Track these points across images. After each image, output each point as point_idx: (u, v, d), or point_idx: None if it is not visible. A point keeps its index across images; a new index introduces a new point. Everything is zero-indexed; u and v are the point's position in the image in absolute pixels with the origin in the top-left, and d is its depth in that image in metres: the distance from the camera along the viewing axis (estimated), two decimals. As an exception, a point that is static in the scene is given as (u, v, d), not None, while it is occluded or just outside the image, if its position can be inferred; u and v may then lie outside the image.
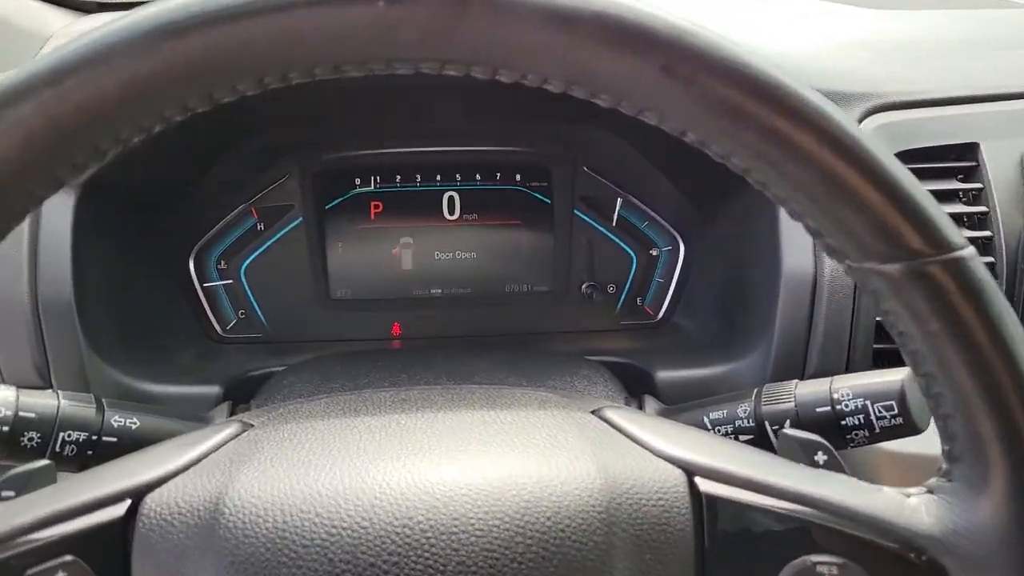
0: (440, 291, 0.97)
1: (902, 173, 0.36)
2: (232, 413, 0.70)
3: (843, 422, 0.54)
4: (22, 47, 1.15)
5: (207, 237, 0.94)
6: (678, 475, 0.42)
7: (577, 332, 0.96)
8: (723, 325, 0.83)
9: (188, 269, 0.93)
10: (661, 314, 0.98)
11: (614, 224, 0.97)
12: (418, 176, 0.97)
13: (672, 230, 0.97)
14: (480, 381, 0.68)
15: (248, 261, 0.94)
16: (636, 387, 0.74)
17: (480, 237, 0.97)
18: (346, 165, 0.95)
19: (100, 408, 0.57)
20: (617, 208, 0.97)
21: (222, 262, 0.94)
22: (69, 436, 0.55)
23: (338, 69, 0.35)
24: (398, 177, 0.97)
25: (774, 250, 0.72)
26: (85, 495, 0.41)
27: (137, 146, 0.35)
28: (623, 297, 0.98)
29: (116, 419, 0.57)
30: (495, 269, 0.97)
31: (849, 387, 0.55)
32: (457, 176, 0.97)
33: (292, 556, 0.38)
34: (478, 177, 0.97)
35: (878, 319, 0.70)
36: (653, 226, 0.98)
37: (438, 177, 0.97)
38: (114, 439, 0.56)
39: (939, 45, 0.89)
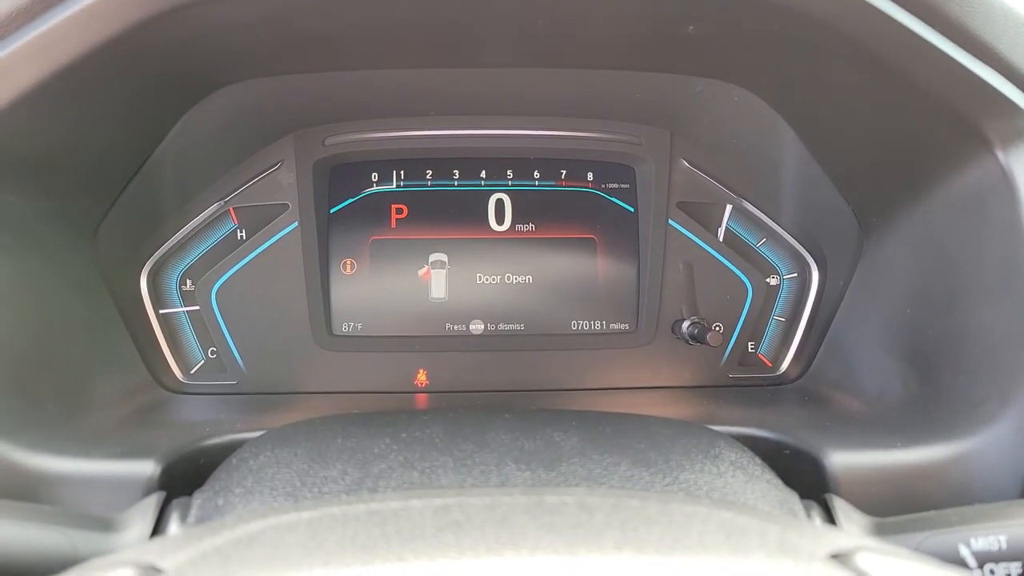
0: (482, 327, 0.72)
1: None
2: (163, 508, 0.44)
3: None
4: None
5: (167, 247, 0.69)
6: None
7: (671, 388, 0.70)
8: (915, 382, 0.55)
9: (139, 290, 0.68)
10: (785, 366, 0.71)
11: (721, 240, 0.71)
12: (456, 171, 0.73)
13: (801, 249, 0.71)
14: (576, 479, 0.42)
15: (222, 281, 0.70)
16: (794, 474, 0.47)
17: (538, 256, 0.72)
18: (358, 152, 0.71)
19: None
20: (726, 218, 0.72)
21: (187, 282, 0.70)
22: None
23: None
24: (429, 172, 0.73)
25: (1016, 266, 0.46)
26: None
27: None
28: (733, 341, 0.71)
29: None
30: (558, 300, 0.73)
31: None
32: (508, 172, 0.73)
33: None
34: (536, 174, 0.73)
35: None
36: (774, 244, 0.72)
37: (483, 173, 0.73)
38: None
39: None
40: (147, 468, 0.50)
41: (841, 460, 0.50)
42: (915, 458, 0.49)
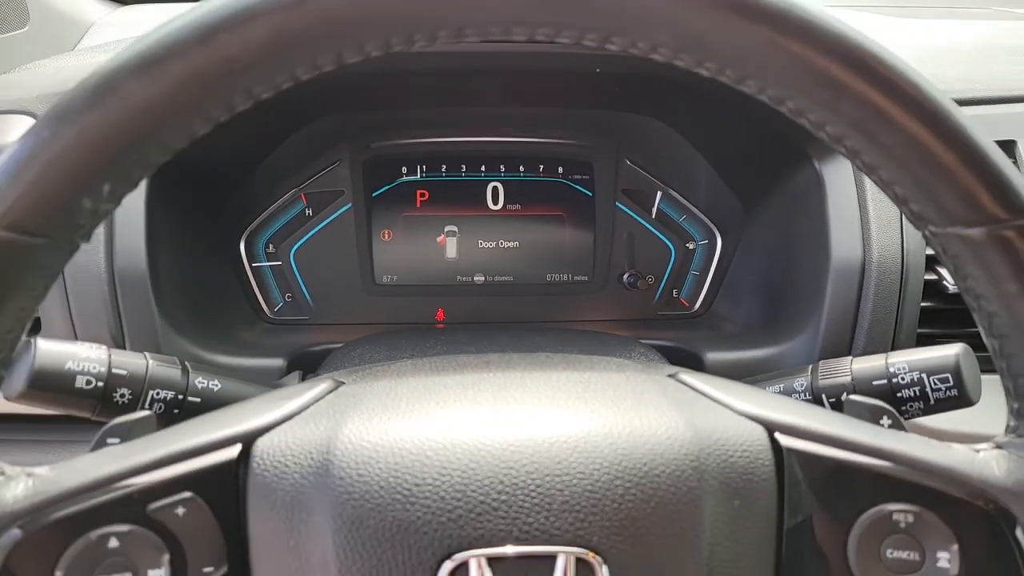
0: (483, 278, 0.99)
1: (987, 144, 0.38)
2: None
3: (899, 394, 0.57)
4: (66, 32, 1.19)
5: (257, 221, 0.96)
6: (759, 431, 0.44)
7: (616, 320, 0.98)
8: (767, 312, 0.85)
9: (239, 251, 0.95)
10: (698, 305, 1.00)
11: (654, 217, 1.00)
12: (463, 166, 1.00)
13: (710, 224, 1.00)
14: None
15: (296, 245, 0.97)
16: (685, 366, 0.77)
17: (523, 227, 0.99)
18: (394, 154, 0.98)
19: (185, 370, 0.59)
20: (657, 201, 1.00)
21: (271, 245, 0.97)
22: (157, 394, 0.57)
23: (460, 32, 0.38)
24: (444, 167, 0.99)
25: (823, 240, 0.75)
26: (199, 438, 0.43)
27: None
28: (661, 288, 1.00)
29: (199, 381, 0.60)
30: (537, 258, 1.00)
31: (905, 361, 0.58)
32: (501, 167, 1.00)
33: (405, 494, 0.40)
34: (521, 168, 1.00)
35: (924, 304, 0.73)
36: (691, 220, 1.01)
37: (483, 168, 1.00)
38: (198, 399, 0.59)
39: (976, 50, 0.93)
40: (277, 363, 0.79)
41: (713, 357, 0.80)
42: (757, 355, 0.79)
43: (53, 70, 0.80)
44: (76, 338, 0.69)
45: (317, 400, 0.47)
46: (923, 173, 0.39)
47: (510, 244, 0.99)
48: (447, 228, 0.99)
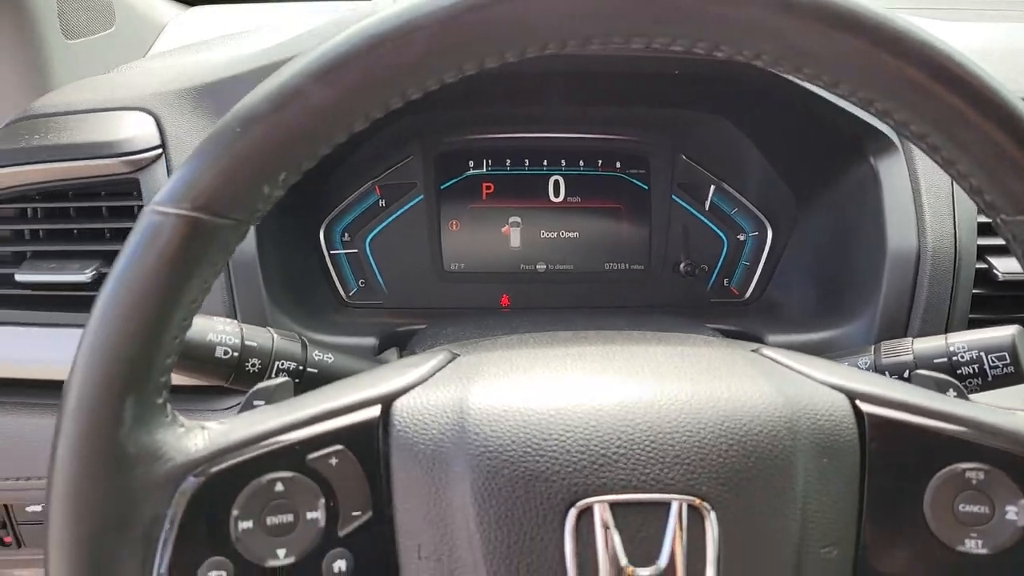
0: (545, 267, 1.05)
1: None
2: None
3: (958, 371, 0.62)
4: (145, 32, 1.26)
5: (334, 212, 1.02)
6: (842, 398, 0.49)
7: (671, 307, 1.03)
8: (821, 298, 0.90)
9: (319, 240, 1.01)
10: (748, 294, 1.05)
11: (707, 209, 1.05)
12: (527, 160, 1.05)
13: (761, 216, 1.05)
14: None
15: (371, 234, 1.03)
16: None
17: (582, 218, 1.05)
18: (462, 149, 1.04)
19: (304, 344, 0.65)
20: (710, 194, 1.05)
21: (346, 234, 1.03)
22: (282, 365, 0.63)
23: (607, 40, 0.43)
24: (508, 161, 1.05)
25: (879, 231, 0.80)
26: (345, 399, 0.49)
27: None
28: (713, 278, 1.05)
29: (316, 354, 0.66)
30: (595, 248, 1.05)
31: (964, 341, 0.63)
32: (562, 161, 1.05)
33: (535, 447, 0.46)
34: (581, 163, 1.05)
35: (975, 291, 0.77)
36: (742, 213, 1.06)
37: (545, 162, 1.05)
38: (315, 371, 0.65)
39: (1013, 53, 0.97)
40: (370, 341, 0.85)
41: (774, 340, 0.85)
42: (815, 338, 0.84)
43: (159, 70, 0.86)
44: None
45: (440, 368, 0.53)
46: (997, 167, 0.44)
47: (570, 234, 1.05)
48: (511, 219, 1.04)
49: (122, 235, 0.79)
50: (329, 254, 1.02)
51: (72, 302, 0.76)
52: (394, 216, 1.03)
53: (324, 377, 0.65)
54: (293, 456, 0.47)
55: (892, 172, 0.81)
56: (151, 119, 0.77)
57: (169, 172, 0.76)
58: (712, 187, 1.05)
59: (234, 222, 0.44)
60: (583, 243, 1.05)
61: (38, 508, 0.73)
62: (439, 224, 1.04)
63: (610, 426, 0.46)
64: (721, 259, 1.05)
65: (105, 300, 0.43)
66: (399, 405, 0.49)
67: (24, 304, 0.76)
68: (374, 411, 0.49)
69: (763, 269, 1.04)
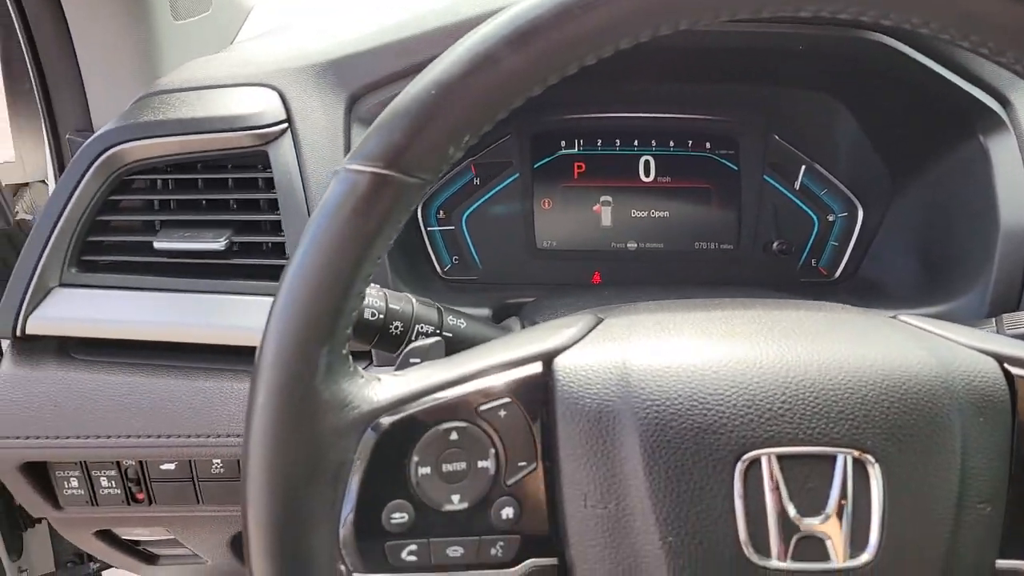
0: (636, 245, 1.07)
1: None
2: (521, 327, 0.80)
3: (1086, 343, 0.63)
4: (235, 15, 1.29)
5: (431, 190, 1.04)
6: (991, 362, 0.51)
7: (762, 286, 1.04)
8: (924, 274, 0.91)
9: (417, 216, 1.04)
10: (838, 274, 1.06)
11: (797, 189, 1.06)
12: (617, 140, 1.06)
13: (851, 196, 1.05)
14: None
15: (468, 211, 1.05)
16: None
17: (672, 198, 1.06)
18: (555, 129, 1.05)
19: (439, 310, 0.68)
20: (800, 174, 1.06)
21: (441, 212, 1.05)
22: (422, 328, 0.66)
23: (762, 7, 0.45)
24: (599, 141, 1.06)
25: (990, 208, 0.80)
26: (508, 355, 0.51)
27: None
28: (803, 257, 1.06)
29: (450, 319, 0.68)
30: (685, 228, 1.07)
31: (1090, 313, 0.64)
32: (653, 142, 1.06)
33: (701, 402, 0.48)
34: (672, 144, 1.07)
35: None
36: (832, 193, 1.06)
37: (635, 142, 1.07)
38: (450, 334, 0.67)
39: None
40: (484, 311, 0.87)
41: (883, 315, 0.86)
42: (920, 313, 0.85)
43: (277, 48, 0.89)
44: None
45: (591, 329, 0.55)
46: None
47: (661, 214, 1.06)
48: (602, 198, 1.06)
49: (248, 206, 0.82)
50: (426, 230, 1.04)
51: (204, 270, 0.79)
52: (489, 194, 1.05)
53: (458, 341, 0.67)
54: (466, 407, 0.49)
55: (1002, 149, 0.82)
56: (276, 94, 0.80)
57: (296, 145, 0.78)
58: (803, 166, 1.06)
59: (421, 181, 0.46)
60: (673, 222, 1.06)
61: (172, 466, 0.76)
62: (532, 202, 1.05)
63: (773, 382, 0.48)
64: (811, 239, 1.06)
65: (302, 255, 0.46)
66: (560, 362, 0.51)
67: (158, 271, 0.79)
68: (537, 367, 0.51)
69: (853, 248, 1.05)
